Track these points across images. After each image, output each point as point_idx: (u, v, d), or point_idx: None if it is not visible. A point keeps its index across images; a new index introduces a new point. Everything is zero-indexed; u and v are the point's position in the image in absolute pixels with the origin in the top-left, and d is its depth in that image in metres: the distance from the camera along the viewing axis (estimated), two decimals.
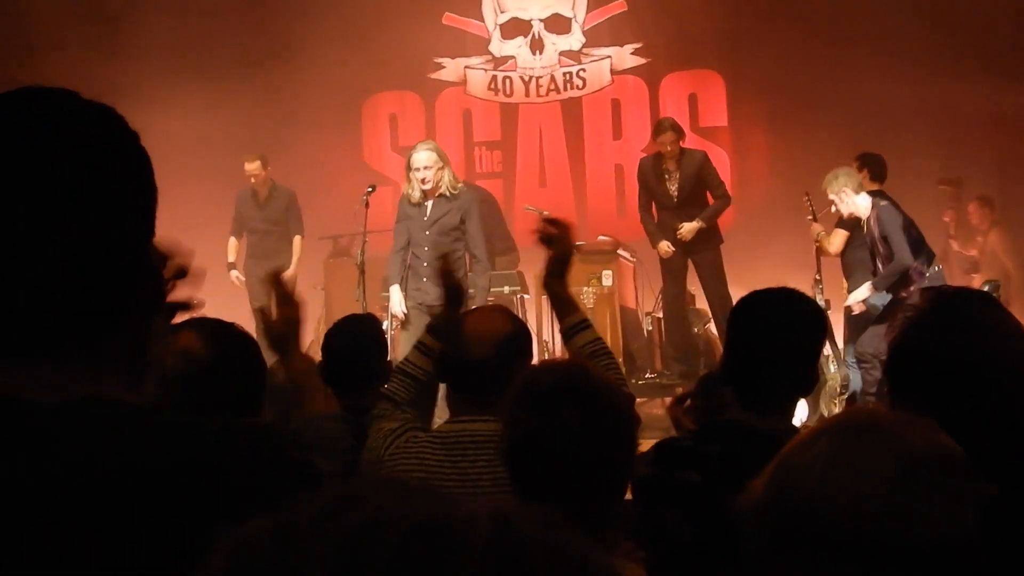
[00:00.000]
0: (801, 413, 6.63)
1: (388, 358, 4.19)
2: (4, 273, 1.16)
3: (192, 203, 9.39)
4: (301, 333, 2.50)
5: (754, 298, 2.76)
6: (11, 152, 1.17)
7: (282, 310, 2.48)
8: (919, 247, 8.04)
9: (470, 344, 2.91)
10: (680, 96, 11.84)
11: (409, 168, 7.81)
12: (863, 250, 8.35)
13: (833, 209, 8.33)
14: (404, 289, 7.92)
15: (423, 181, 7.71)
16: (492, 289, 8.52)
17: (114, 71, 10.18)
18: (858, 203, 8.16)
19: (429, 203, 7.80)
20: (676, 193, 9.20)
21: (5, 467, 1.11)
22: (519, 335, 3.00)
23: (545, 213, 10.15)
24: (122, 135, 1.24)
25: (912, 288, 7.81)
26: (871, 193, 8.23)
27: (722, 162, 11.60)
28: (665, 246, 9.21)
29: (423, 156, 7.75)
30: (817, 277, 8.59)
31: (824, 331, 2.75)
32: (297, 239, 9.95)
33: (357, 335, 4.10)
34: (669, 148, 9.12)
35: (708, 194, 9.29)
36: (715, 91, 11.83)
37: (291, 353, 2.47)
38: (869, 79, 10.91)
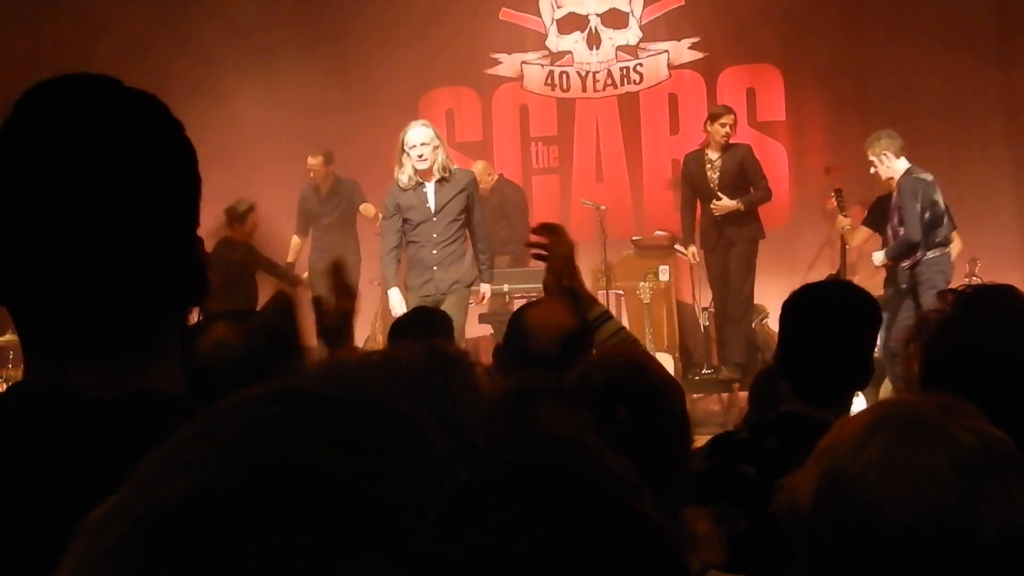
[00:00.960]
0: (860, 406, 6.56)
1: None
2: (57, 269, 1.16)
3: (255, 192, 9.43)
4: (353, 326, 2.51)
5: (807, 291, 2.78)
6: (57, 143, 1.16)
7: (340, 301, 2.49)
8: (932, 227, 8.00)
9: (533, 338, 2.90)
10: (738, 90, 11.76)
11: (402, 149, 7.45)
12: None
13: (872, 171, 8.36)
14: (405, 286, 7.63)
15: (420, 158, 7.32)
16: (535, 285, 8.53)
17: (180, 64, 10.30)
18: (896, 167, 8.19)
19: (428, 188, 7.48)
20: (717, 180, 9.18)
21: (68, 465, 1.11)
22: (581, 329, 3.00)
23: (602, 208, 10.18)
24: (167, 124, 1.24)
25: (905, 265, 7.99)
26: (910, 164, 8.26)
27: (779, 156, 11.53)
28: (693, 251, 9.22)
29: (419, 133, 7.43)
30: (833, 273, 8.59)
31: (878, 323, 2.73)
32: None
33: (428, 322, 4.21)
34: (728, 130, 9.16)
35: (751, 188, 9.26)
36: (773, 85, 11.74)
37: (342, 346, 2.47)
38: (928, 72, 10.79)
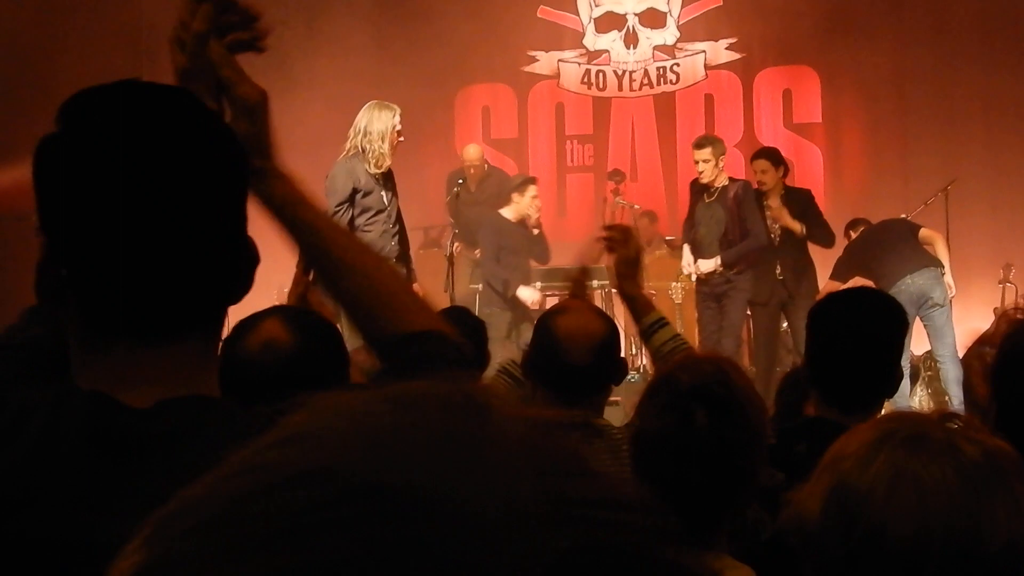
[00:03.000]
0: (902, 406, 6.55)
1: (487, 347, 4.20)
2: (123, 260, 1.19)
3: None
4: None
5: (835, 298, 2.80)
6: (124, 147, 1.19)
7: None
8: None
9: (566, 349, 2.84)
10: (774, 92, 11.73)
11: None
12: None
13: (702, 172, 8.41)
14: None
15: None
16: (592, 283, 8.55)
17: None
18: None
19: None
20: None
21: (107, 485, 1.13)
22: (613, 335, 2.96)
23: (636, 207, 10.16)
24: (219, 126, 1.28)
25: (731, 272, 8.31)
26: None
27: (815, 159, 11.48)
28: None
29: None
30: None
31: (905, 329, 2.74)
32: None
33: (460, 322, 4.17)
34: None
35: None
36: (810, 87, 11.69)
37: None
38: (965, 74, 10.71)
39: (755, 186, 8.52)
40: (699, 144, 8.49)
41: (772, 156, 8.65)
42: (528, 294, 8.61)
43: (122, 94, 1.23)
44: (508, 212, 8.74)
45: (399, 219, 7.22)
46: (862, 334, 2.66)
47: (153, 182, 1.18)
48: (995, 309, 8.78)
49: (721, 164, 8.42)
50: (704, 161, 8.33)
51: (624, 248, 3.24)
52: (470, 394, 0.49)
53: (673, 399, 2.17)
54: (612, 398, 6.86)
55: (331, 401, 0.50)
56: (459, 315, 4.24)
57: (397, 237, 7.19)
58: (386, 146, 7.07)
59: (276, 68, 10.92)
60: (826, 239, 8.61)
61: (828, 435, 2.53)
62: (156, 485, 1.10)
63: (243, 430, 1.16)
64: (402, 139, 7.19)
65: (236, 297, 1.28)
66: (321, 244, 1.52)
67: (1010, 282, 9.13)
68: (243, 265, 1.27)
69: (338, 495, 0.45)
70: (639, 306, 3.25)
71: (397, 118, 7.16)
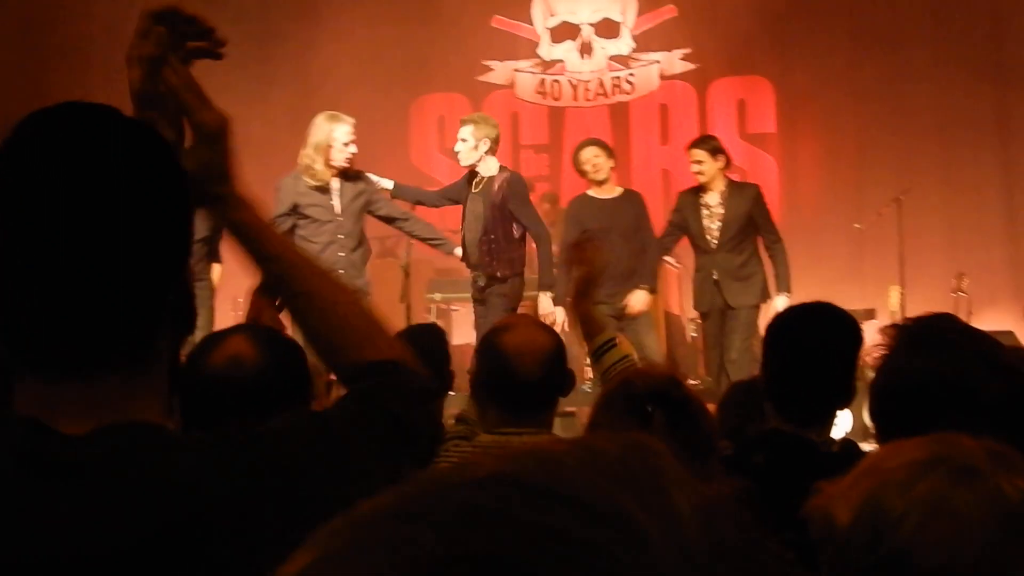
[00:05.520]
0: (846, 422, 6.58)
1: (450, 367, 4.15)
2: (40, 292, 1.16)
3: None
4: None
5: (790, 313, 2.86)
6: (50, 171, 1.17)
7: None
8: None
9: (516, 365, 2.82)
10: (729, 102, 11.80)
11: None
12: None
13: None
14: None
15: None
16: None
17: None
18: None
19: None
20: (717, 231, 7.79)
21: (37, 509, 1.11)
22: (559, 347, 2.95)
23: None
24: (161, 153, 1.24)
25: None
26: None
27: (770, 169, 11.55)
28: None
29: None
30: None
31: (860, 343, 2.76)
32: None
33: (421, 346, 4.09)
34: (697, 167, 7.71)
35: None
36: (764, 97, 11.78)
37: None
38: (921, 86, 10.83)
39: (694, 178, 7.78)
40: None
41: (709, 144, 7.83)
42: None
43: (51, 117, 1.21)
44: None
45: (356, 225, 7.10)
46: (818, 349, 2.69)
47: (69, 216, 1.15)
48: None
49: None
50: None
51: (589, 266, 3.27)
52: (642, 444, 0.52)
53: (629, 404, 2.19)
54: (568, 408, 6.87)
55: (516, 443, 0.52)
56: (422, 335, 4.17)
57: (350, 246, 7.09)
58: (319, 159, 6.89)
59: (237, 73, 10.89)
60: (772, 243, 7.83)
61: (785, 448, 2.58)
62: (87, 510, 1.09)
63: (178, 455, 1.15)
64: (352, 150, 7.02)
65: (174, 334, 1.26)
66: (281, 273, 1.51)
67: (963, 291, 9.21)
68: (177, 300, 1.25)
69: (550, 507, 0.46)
70: (591, 326, 3.30)
71: (341, 130, 6.97)
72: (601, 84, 11.98)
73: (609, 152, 8.02)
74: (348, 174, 7.14)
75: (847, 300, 8.51)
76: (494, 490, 0.46)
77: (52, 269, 1.15)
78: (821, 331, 2.73)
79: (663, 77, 11.91)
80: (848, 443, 2.83)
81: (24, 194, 1.16)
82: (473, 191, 7.41)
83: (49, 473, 1.12)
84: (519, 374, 2.81)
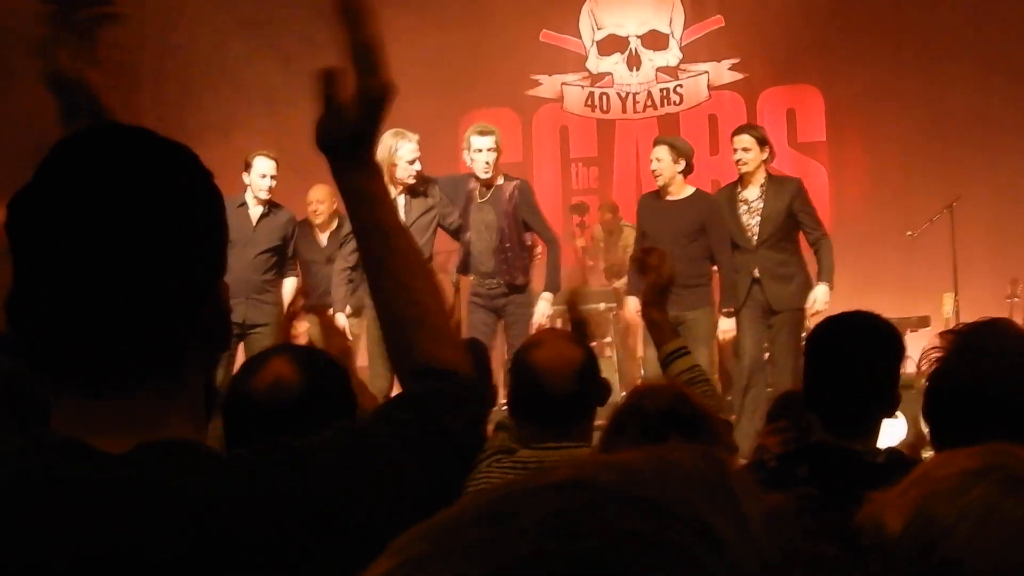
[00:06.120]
0: (900, 430, 6.51)
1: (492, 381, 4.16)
2: (74, 311, 1.18)
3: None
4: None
5: (831, 323, 2.81)
6: (83, 192, 1.19)
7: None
8: None
9: (547, 381, 2.84)
10: (778, 111, 11.75)
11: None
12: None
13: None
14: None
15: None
16: (589, 306, 8.45)
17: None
18: None
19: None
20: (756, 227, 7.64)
21: (75, 528, 1.11)
22: (591, 358, 2.96)
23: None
24: (196, 172, 1.27)
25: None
26: None
27: (820, 177, 11.49)
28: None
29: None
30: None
31: (903, 352, 2.75)
32: None
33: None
34: (741, 155, 7.63)
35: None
36: (813, 106, 11.72)
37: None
38: (966, 92, 10.74)
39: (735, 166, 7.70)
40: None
41: (756, 132, 7.74)
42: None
43: (86, 138, 1.24)
44: None
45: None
46: (860, 359, 2.67)
47: (102, 236, 1.18)
48: None
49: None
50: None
51: (657, 274, 3.27)
52: (710, 454, 0.53)
53: (644, 427, 2.19)
54: (599, 422, 6.81)
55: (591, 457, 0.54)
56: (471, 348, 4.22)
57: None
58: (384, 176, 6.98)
59: (281, 78, 10.98)
60: (816, 239, 7.65)
61: (829, 460, 2.57)
62: (132, 528, 1.11)
63: (219, 473, 1.19)
64: (417, 167, 7.06)
65: (209, 351, 1.28)
66: (383, 254, 1.51)
67: (1017, 297, 9.14)
68: (211, 317, 1.26)
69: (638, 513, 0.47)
70: (662, 332, 3.29)
71: (406, 148, 7.04)
72: (650, 96, 11.97)
73: (679, 153, 7.92)
74: (415, 190, 7.18)
75: (900, 308, 8.52)
76: (577, 494, 0.47)
77: (84, 287, 1.17)
78: (861, 341, 2.71)
79: (711, 88, 11.88)
80: (894, 453, 2.78)
81: (58, 214, 1.18)
82: (480, 200, 7.46)
83: (93, 493, 1.13)
84: (552, 389, 2.82)
